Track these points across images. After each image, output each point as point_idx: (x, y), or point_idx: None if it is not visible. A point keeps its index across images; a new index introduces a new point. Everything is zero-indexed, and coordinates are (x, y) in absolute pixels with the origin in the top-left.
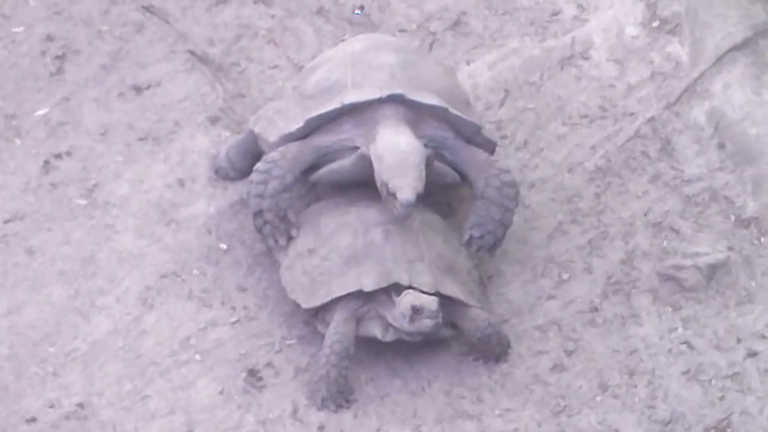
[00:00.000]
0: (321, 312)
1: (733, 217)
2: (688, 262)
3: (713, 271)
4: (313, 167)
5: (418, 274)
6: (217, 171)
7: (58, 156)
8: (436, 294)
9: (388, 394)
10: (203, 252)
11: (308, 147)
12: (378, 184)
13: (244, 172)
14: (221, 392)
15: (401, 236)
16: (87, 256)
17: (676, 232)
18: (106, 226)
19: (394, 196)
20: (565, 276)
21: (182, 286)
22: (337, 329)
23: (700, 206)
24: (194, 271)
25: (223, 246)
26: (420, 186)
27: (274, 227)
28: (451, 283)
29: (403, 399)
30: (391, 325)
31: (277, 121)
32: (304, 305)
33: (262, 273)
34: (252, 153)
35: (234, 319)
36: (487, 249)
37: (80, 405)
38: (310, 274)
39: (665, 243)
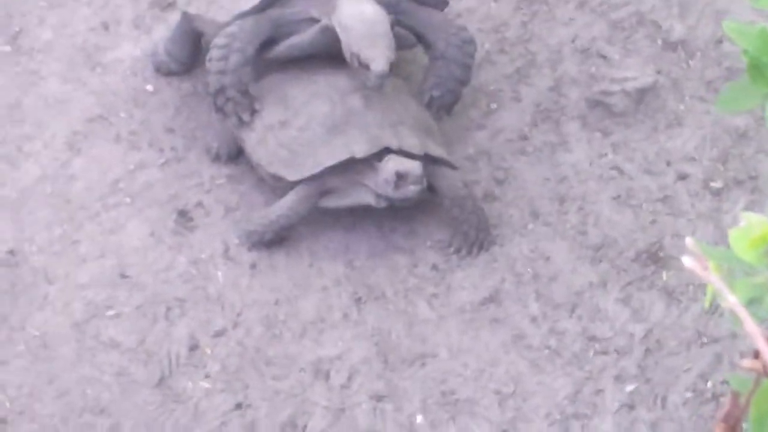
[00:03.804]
0: None
1: (660, 41)
2: (617, 87)
3: (642, 95)
4: (270, 43)
5: (405, 137)
6: (158, 68)
7: None
8: (424, 156)
9: (321, 231)
10: (130, 94)
11: (264, 19)
12: (347, 56)
13: (187, 63)
14: (152, 234)
15: (380, 102)
16: (13, 102)
17: (604, 57)
18: (31, 72)
19: (367, 67)
20: (493, 105)
21: (109, 129)
22: (290, 205)
23: (627, 31)
24: (121, 114)
25: (150, 87)
26: (392, 54)
27: (236, 104)
28: (433, 144)
29: (335, 235)
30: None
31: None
32: (290, 178)
33: (189, 113)
34: (191, 38)
35: (162, 160)
36: (447, 108)
37: (11, 252)
38: (288, 147)
39: (593, 69)
